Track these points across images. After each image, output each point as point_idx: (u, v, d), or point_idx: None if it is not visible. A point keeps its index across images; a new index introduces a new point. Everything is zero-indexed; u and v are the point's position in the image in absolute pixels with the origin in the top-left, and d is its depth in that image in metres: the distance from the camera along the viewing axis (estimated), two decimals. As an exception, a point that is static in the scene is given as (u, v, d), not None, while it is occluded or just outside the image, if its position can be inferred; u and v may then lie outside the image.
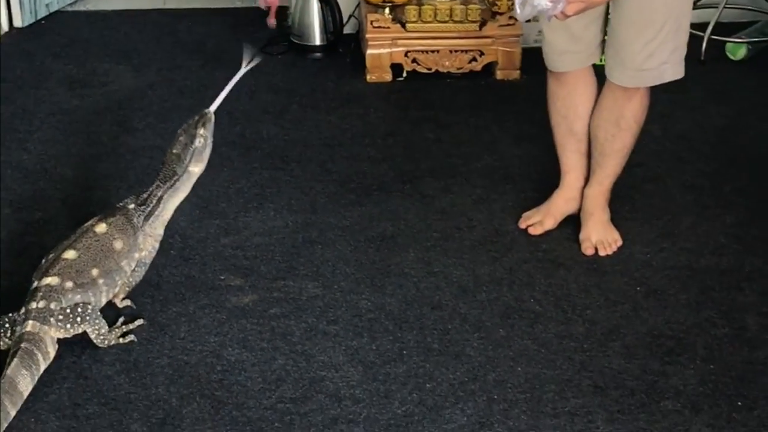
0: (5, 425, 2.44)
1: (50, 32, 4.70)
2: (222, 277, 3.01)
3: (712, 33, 4.44)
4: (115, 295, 2.83)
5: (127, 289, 2.84)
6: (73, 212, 3.29)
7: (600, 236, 3.15)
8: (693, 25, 4.58)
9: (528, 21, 2.74)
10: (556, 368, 2.69)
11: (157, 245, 2.85)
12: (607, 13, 2.98)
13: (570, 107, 3.15)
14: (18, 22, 4.70)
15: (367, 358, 2.71)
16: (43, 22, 4.79)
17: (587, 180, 3.22)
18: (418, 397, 2.58)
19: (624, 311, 2.90)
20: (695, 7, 4.71)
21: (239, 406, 2.54)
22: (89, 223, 2.78)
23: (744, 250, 3.17)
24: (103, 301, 2.75)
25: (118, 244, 2.74)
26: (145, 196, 2.81)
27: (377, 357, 2.71)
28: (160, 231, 2.85)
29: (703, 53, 4.44)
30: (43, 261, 2.73)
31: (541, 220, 3.25)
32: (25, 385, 2.50)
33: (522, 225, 3.26)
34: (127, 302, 2.87)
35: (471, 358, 2.72)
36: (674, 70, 2.99)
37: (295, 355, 2.72)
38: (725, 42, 4.48)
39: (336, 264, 3.08)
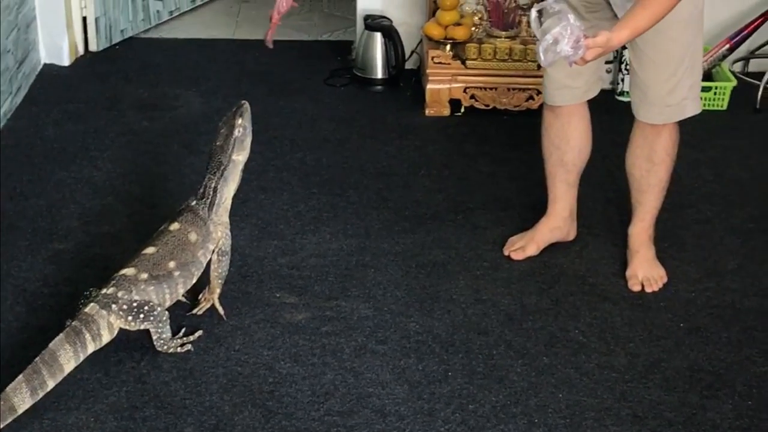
0: (42, 394, 2.59)
1: (123, 57, 4.88)
2: (277, 295, 3.13)
3: (768, 82, 4.50)
4: (212, 292, 3.00)
5: (220, 281, 3.00)
6: (139, 227, 3.43)
7: (646, 273, 3.23)
8: (750, 74, 4.72)
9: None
10: (596, 397, 2.76)
11: (228, 232, 3.00)
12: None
13: (563, 138, 3.26)
14: (93, 47, 4.87)
15: (413, 378, 2.80)
16: (117, 47, 4.97)
17: (573, 210, 3.38)
18: (460, 417, 2.67)
19: (666, 346, 2.97)
20: (753, 56, 4.80)
21: (288, 417, 2.65)
22: (162, 226, 2.95)
23: (788, 292, 3.23)
24: (180, 292, 2.90)
25: (192, 237, 2.91)
26: (201, 190, 2.98)
27: (423, 377, 2.81)
28: (226, 218, 3.00)
29: (758, 102, 4.49)
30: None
31: (524, 245, 3.36)
32: (67, 359, 2.64)
33: (506, 251, 3.36)
34: (221, 310, 3.01)
35: (514, 382, 2.80)
36: (693, 106, 3.09)
37: (344, 371, 2.82)
38: (781, 91, 4.54)
39: (387, 287, 3.19)
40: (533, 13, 2.68)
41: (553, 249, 3.39)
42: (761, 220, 3.64)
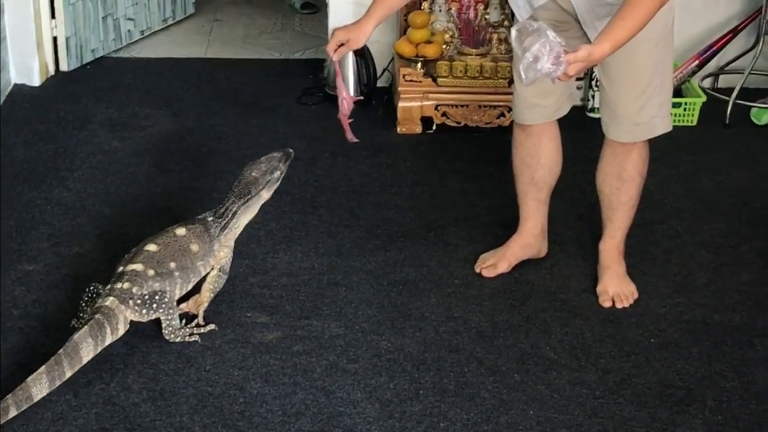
0: (59, 383, 2.67)
1: (94, 77, 4.87)
2: (248, 314, 3.12)
3: (737, 98, 4.53)
4: (200, 303, 3.06)
5: (211, 295, 3.06)
6: (109, 248, 3.42)
7: (617, 289, 3.24)
8: (719, 90, 4.75)
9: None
10: (567, 413, 2.76)
11: (231, 254, 3.10)
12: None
13: (534, 157, 3.27)
14: (64, 66, 4.86)
15: (384, 397, 2.80)
16: (88, 66, 4.96)
17: (544, 228, 3.40)
18: (432, 435, 2.67)
19: (637, 361, 2.98)
20: (722, 72, 4.84)
21: (259, 437, 2.64)
22: (171, 227, 3.03)
23: (757, 307, 3.24)
24: (177, 294, 2.96)
25: (194, 247, 2.99)
26: (222, 210, 3.08)
27: (394, 396, 2.80)
28: (231, 243, 3.10)
29: (728, 117, 4.52)
30: (126, 256, 2.98)
31: (495, 263, 3.36)
32: (87, 352, 2.74)
33: (477, 268, 3.37)
34: (201, 321, 3.05)
35: (485, 400, 2.80)
36: (663, 124, 3.11)
37: (315, 390, 2.81)
38: (750, 107, 4.57)
39: (359, 306, 3.18)
40: (513, 32, 2.67)
41: (524, 266, 3.39)
42: (731, 235, 3.67)
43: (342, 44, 3.03)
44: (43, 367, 2.64)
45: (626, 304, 3.22)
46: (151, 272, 2.89)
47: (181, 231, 3.01)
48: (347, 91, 3.17)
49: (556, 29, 2.99)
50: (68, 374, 2.70)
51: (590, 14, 2.94)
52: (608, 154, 3.19)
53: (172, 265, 2.94)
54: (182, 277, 2.96)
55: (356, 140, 3.17)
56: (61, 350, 2.68)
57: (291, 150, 3.21)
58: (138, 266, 2.90)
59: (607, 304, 3.22)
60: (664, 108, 3.09)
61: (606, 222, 3.29)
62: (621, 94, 3.04)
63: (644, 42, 2.87)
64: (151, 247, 2.95)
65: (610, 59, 2.92)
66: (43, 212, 3.65)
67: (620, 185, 3.18)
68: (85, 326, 2.74)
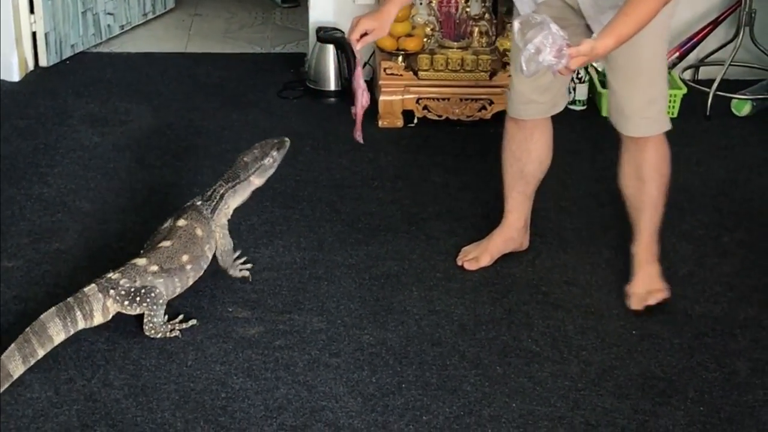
0: (33, 362, 2.75)
1: (74, 72, 4.84)
2: (230, 309, 3.11)
3: (717, 89, 4.54)
4: (229, 270, 3.20)
5: (231, 260, 3.19)
6: (90, 244, 3.41)
7: (646, 289, 3.19)
8: (700, 82, 4.76)
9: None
10: (549, 405, 2.77)
11: (225, 232, 3.18)
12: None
13: (524, 151, 3.25)
14: (44, 62, 4.83)
15: (366, 390, 2.80)
16: (67, 62, 4.93)
17: (527, 221, 3.39)
18: (414, 429, 2.66)
19: (619, 353, 2.98)
20: (703, 64, 4.85)
21: (241, 432, 2.64)
22: (168, 223, 3.08)
23: (738, 298, 3.25)
24: (190, 283, 3.05)
25: (199, 232, 3.05)
26: (209, 193, 3.17)
27: (377, 389, 2.80)
28: (224, 220, 3.18)
29: (708, 109, 4.53)
30: (141, 250, 3.03)
31: (477, 256, 3.36)
32: (56, 332, 2.77)
33: (459, 261, 3.36)
34: (246, 273, 3.23)
35: (468, 393, 2.80)
36: (666, 118, 3.08)
37: (298, 385, 2.81)
38: (731, 98, 4.58)
39: (340, 300, 3.18)
40: (515, 24, 2.65)
41: (506, 258, 3.39)
42: (712, 226, 3.68)
43: (365, 33, 2.93)
44: (13, 344, 2.69)
45: (652, 303, 3.16)
46: (154, 268, 2.93)
47: (181, 222, 3.05)
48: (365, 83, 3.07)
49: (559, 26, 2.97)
50: (40, 353, 2.74)
51: (594, 8, 2.91)
52: (624, 152, 3.13)
53: (185, 258, 2.99)
54: (195, 269, 3.03)
55: (362, 141, 3.09)
56: (28, 328, 2.73)
57: (287, 139, 3.25)
58: (141, 260, 2.94)
59: (634, 306, 3.16)
60: (666, 101, 3.07)
61: (633, 224, 3.22)
62: (628, 88, 3.00)
63: (651, 35, 2.82)
64: (166, 243, 2.99)
65: (616, 54, 2.89)
66: (23, 208, 3.63)
67: (640, 185, 3.13)
68: (54, 306, 2.78)
